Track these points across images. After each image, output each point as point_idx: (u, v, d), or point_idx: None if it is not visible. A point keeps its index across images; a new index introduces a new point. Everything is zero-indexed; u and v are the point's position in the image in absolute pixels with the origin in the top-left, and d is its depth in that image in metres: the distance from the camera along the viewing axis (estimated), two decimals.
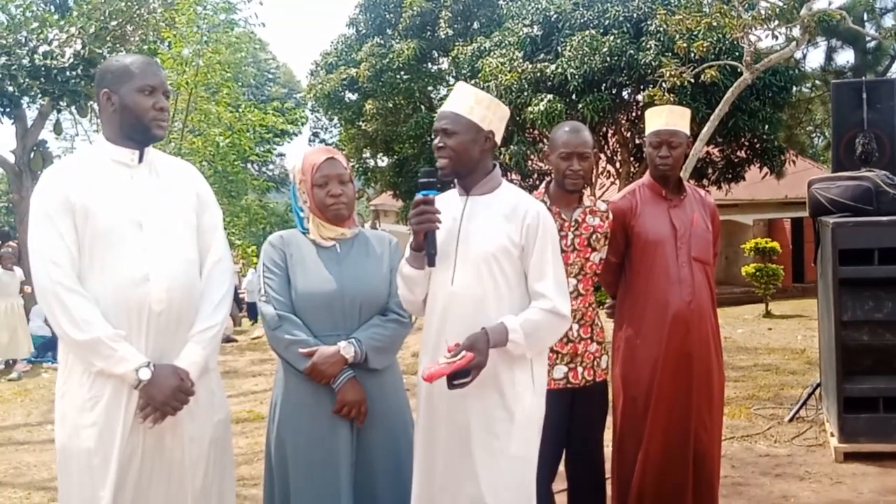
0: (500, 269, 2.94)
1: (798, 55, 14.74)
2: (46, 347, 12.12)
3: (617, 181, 16.82)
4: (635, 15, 14.59)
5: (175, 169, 3.05)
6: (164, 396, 2.74)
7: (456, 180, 3.09)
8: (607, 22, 14.68)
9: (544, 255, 2.97)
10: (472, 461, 2.92)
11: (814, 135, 21.30)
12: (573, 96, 14.77)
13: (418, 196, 2.94)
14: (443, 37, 20.65)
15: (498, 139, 3.09)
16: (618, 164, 17.01)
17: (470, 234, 2.98)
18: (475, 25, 20.36)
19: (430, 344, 3.02)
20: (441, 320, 2.98)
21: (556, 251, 3.04)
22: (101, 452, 2.73)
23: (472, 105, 3.01)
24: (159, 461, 2.83)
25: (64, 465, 2.82)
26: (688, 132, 3.99)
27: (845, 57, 17.23)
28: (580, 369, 3.70)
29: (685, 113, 4.05)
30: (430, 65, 21.77)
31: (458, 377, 2.79)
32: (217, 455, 2.96)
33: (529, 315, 2.91)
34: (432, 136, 3.10)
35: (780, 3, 10.34)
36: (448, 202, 3.03)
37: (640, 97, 14.82)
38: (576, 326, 3.67)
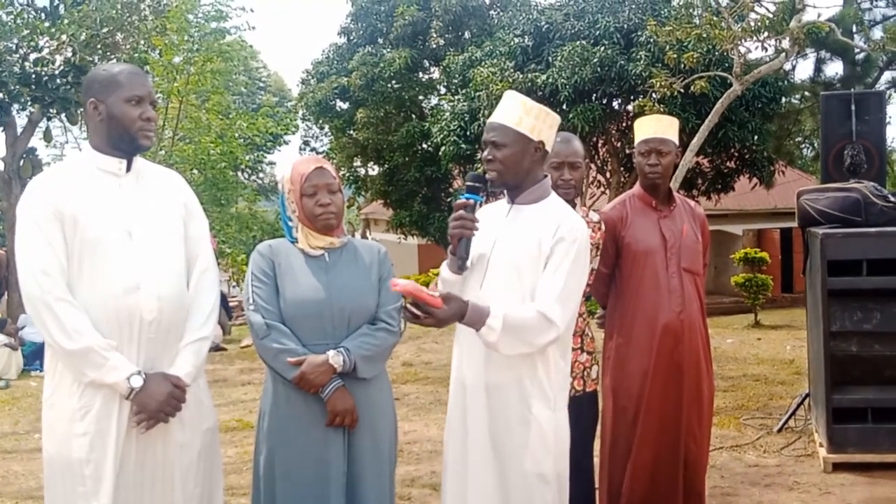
0: (530, 279, 2.91)
1: (787, 66, 14.81)
2: (36, 355, 12.05)
3: (607, 191, 16.85)
4: (626, 26, 14.63)
5: (161, 177, 3.05)
6: (157, 404, 2.75)
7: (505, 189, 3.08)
8: (598, 33, 14.72)
9: (561, 266, 2.89)
10: (491, 477, 2.93)
11: (803, 146, 21.38)
12: (563, 106, 14.79)
13: (460, 199, 2.95)
14: (434, 46, 20.71)
15: (549, 148, 3.06)
16: (608, 174, 17.04)
17: (505, 241, 2.98)
18: (466, 35, 20.43)
19: (458, 350, 3.05)
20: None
21: (578, 269, 2.94)
22: (93, 462, 2.72)
23: (520, 115, 2.98)
24: (150, 470, 2.83)
25: (52, 476, 2.80)
26: (676, 141, 4.01)
27: (834, 68, 17.31)
28: (570, 379, 3.70)
29: (674, 122, 4.07)
30: (421, 74, 21.82)
31: (417, 308, 2.75)
32: (206, 464, 2.96)
33: (519, 310, 2.85)
34: (481, 148, 3.09)
35: (770, 15, 10.39)
36: (494, 208, 3.06)
37: (630, 107, 14.85)
38: None
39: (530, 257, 2.92)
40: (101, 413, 2.75)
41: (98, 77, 2.90)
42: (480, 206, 3.03)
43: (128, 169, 2.92)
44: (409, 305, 2.78)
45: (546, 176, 3.12)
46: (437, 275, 3.21)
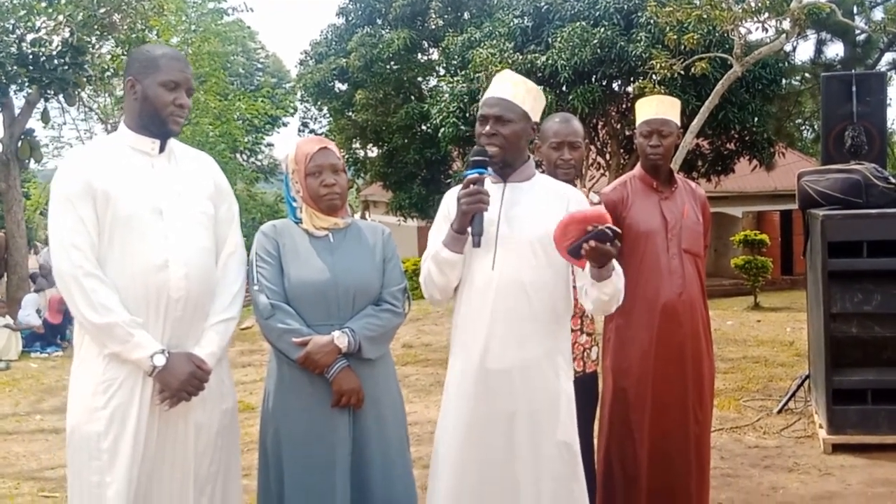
0: (545, 253, 2.92)
1: (788, 48, 14.75)
2: (35, 337, 12.08)
3: (607, 173, 16.83)
4: (626, 7, 14.58)
5: (194, 159, 3.08)
6: (178, 383, 2.78)
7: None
8: (598, 13, 14.68)
9: None
10: (519, 450, 2.92)
11: (803, 127, 21.36)
12: (563, 88, 14.77)
13: (470, 174, 2.90)
14: (433, 27, 20.66)
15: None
16: (608, 156, 17.02)
17: (513, 219, 2.96)
18: (466, 16, 20.36)
19: (469, 331, 2.98)
20: (482, 306, 2.95)
21: None
22: (112, 436, 2.75)
23: (523, 94, 3.00)
24: (170, 448, 2.86)
25: (73, 448, 2.84)
26: (678, 122, 3.98)
27: (835, 50, 17.32)
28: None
29: (675, 103, 4.04)
30: (420, 55, 21.76)
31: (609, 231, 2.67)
32: (224, 443, 2.99)
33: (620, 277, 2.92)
34: (477, 123, 3.05)
35: None
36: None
37: (630, 89, 14.83)
38: None
39: (547, 233, 2.90)
40: (125, 388, 2.78)
41: (139, 57, 2.94)
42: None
43: (161, 149, 2.95)
44: (604, 229, 2.67)
45: (530, 156, 3.12)
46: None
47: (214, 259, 2.99)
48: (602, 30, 14.22)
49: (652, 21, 13.08)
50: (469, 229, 2.90)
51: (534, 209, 2.97)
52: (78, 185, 2.79)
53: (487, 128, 2.99)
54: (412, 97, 21.50)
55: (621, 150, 16.52)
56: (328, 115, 24.97)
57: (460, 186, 2.97)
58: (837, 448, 5.41)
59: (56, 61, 12.68)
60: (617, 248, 2.73)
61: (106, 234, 2.80)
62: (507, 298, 2.93)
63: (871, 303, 5.41)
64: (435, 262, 2.98)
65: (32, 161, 14.61)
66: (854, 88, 6.30)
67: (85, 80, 13.57)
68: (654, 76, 11.41)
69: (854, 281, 5.43)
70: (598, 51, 14.08)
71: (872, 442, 5.38)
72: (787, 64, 16.06)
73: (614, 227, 2.69)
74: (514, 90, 3.00)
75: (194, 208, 2.94)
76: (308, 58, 22.93)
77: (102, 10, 12.93)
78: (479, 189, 2.88)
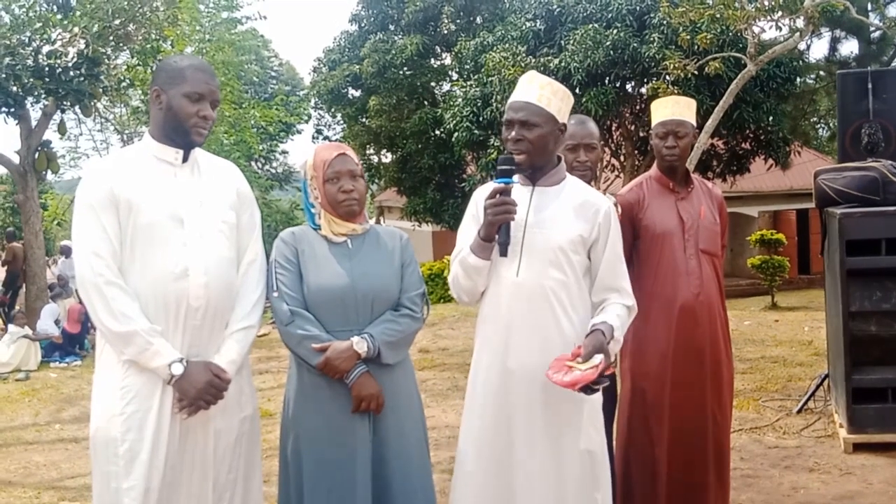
0: (569, 261, 2.94)
1: (802, 46, 14.67)
2: (54, 347, 12.15)
3: (621, 175, 16.79)
4: (638, 8, 14.53)
5: (218, 168, 3.11)
6: (196, 392, 2.80)
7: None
8: (610, 15, 14.64)
9: (616, 251, 3.00)
10: (540, 456, 2.92)
11: (818, 126, 21.24)
12: (577, 90, 14.72)
13: (497, 184, 2.90)
14: (445, 32, 20.70)
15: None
16: (622, 158, 16.97)
17: (539, 225, 2.96)
18: (478, 20, 20.39)
19: (493, 336, 3.00)
20: (506, 312, 2.97)
21: (621, 246, 3.08)
22: (129, 442, 2.78)
23: (549, 96, 2.98)
24: (189, 454, 2.88)
25: (93, 453, 2.88)
26: (694, 122, 3.97)
27: (849, 47, 17.18)
28: None
29: (691, 103, 4.04)
30: (433, 60, 21.81)
31: (595, 384, 2.77)
32: (243, 451, 3.01)
33: (619, 312, 2.95)
34: (505, 127, 3.04)
35: None
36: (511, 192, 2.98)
37: (643, 90, 14.79)
38: None
39: (571, 240, 2.94)
40: (142, 395, 2.81)
41: (166, 67, 2.98)
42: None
43: (185, 159, 2.98)
44: (594, 388, 2.77)
45: (561, 158, 3.12)
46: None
47: (236, 268, 3.01)
48: (615, 31, 14.18)
49: (665, 22, 13.04)
50: (496, 237, 2.91)
51: (561, 216, 2.97)
52: (101, 193, 2.83)
53: (513, 133, 2.97)
54: (425, 102, 21.53)
55: (636, 152, 16.47)
56: (342, 122, 25.04)
57: (490, 186, 2.98)
58: (858, 447, 5.38)
59: (72, 73, 12.73)
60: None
61: (128, 243, 2.83)
62: (530, 303, 2.94)
63: (891, 300, 5.38)
64: (462, 266, 3.01)
65: (49, 172, 14.69)
66: (870, 85, 6.27)
67: (101, 91, 13.63)
68: (667, 77, 11.39)
69: (872, 279, 5.40)
70: (611, 52, 14.04)
71: (893, 440, 5.34)
72: (801, 62, 15.97)
73: (602, 379, 2.75)
74: (540, 92, 2.98)
75: (216, 217, 2.96)
76: (321, 65, 23.02)
77: (117, 21, 12.99)
78: (505, 199, 2.88)
